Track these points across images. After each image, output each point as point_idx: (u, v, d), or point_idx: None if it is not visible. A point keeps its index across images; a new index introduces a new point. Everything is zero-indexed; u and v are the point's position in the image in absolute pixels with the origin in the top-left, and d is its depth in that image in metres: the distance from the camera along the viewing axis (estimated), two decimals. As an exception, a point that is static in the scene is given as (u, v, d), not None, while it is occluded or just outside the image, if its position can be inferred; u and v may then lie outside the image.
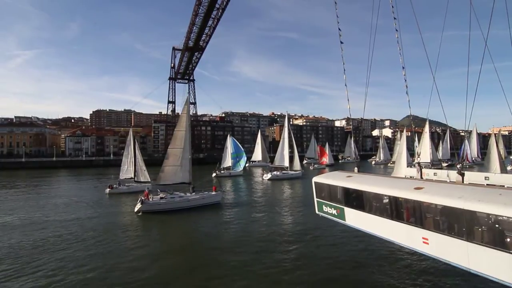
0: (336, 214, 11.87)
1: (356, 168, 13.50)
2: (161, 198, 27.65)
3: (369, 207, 10.43)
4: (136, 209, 26.58)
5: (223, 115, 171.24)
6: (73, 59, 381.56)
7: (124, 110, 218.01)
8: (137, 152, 41.29)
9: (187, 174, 30.31)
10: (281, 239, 19.24)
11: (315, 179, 13.04)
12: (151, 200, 27.15)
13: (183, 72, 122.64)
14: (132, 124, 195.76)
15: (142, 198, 26.82)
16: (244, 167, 63.91)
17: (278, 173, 55.13)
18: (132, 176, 40.75)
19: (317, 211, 13.12)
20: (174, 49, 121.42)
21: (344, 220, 11.49)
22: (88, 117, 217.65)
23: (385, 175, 12.63)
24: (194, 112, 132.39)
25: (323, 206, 12.59)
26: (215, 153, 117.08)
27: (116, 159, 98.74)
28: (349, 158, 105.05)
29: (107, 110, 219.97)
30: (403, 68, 13.10)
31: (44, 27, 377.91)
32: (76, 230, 21.52)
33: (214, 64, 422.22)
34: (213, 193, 30.85)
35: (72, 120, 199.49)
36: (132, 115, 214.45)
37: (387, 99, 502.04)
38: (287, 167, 57.45)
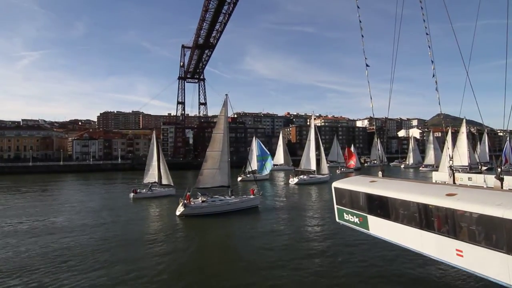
0: (358, 222, 11.66)
1: (380, 172, 13.22)
2: (203, 201, 29.28)
3: (395, 215, 10.19)
4: (178, 213, 28.12)
5: (235, 116, 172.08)
6: (79, 59, 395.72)
7: (132, 111, 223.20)
8: (161, 155, 43.29)
9: (226, 177, 32.01)
10: (320, 248, 19.60)
11: (335, 184, 12.87)
12: (193, 203, 28.74)
13: (193, 71, 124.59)
14: (141, 126, 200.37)
15: (185, 201, 28.16)
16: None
17: (305, 177, 55.96)
18: (156, 180, 42.39)
19: (337, 219, 12.94)
20: (183, 47, 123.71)
21: (368, 229, 11.26)
22: (95, 119, 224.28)
23: (413, 180, 12.32)
24: (204, 113, 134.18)
25: (344, 213, 12.41)
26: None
27: (124, 163, 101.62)
28: (375, 162, 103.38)
29: (115, 112, 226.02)
30: (432, 62, 12.75)
31: (50, 27, 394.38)
32: (120, 234, 22.86)
33: (225, 62, 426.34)
34: (252, 196, 32.35)
35: (79, 123, 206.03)
36: (141, 117, 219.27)
37: (414, 96, 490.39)
38: (314, 171, 57.96)
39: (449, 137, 45.98)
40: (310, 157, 59.16)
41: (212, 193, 31.19)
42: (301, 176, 55.76)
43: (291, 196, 42.20)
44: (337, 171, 76.11)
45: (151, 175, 43.10)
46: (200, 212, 28.38)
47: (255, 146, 65.03)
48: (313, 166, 58.21)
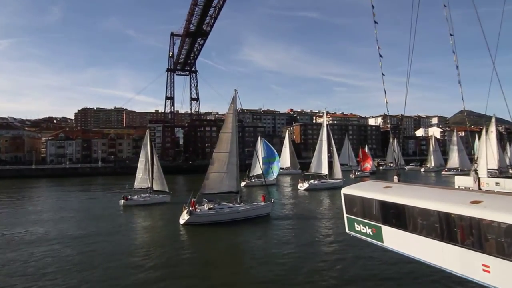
0: (371, 234, 11.66)
1: (395, 177, 13.25)
2: (210, 209, 30.17)
3: (413, 226, 10.21)
4: (182, 221, 28.96)
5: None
6: (55, 49, 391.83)
7: (115, 108, 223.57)
8: (155, 157, 43.76)
9: (235, 181, 33.07)
10: (335, 262, 19.86)
11: (345, 190, 12.91)
12: (199, 211, 29.59)
13: (184, 62, 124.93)
14: (124, 125, 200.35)
15: (190, 208, 28.87)
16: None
17: (316, 182, 57.30)
18: (149, 185, 42.83)
19: (347, 230, 12.96)
20: (172, 35, 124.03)
21: (382, 241, 11.28)
22: (72, 117, 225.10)
23: (433, 186, 12.34)
24: (197, 109, 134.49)
25: (355, 223, 12.42)
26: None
27: (105, 166, 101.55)
28: (391, 165, 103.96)
29: (95, 108, 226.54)
30: (454, 52, 12.74)
31: (21, 12, 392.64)
32: (114, 246, 23.30)
33: (219, 52, 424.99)
34: (263, 203, 33.36)
35: (54, 121, 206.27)
36: (124, 114, 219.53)
37: (434, 90, 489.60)
38: (325, 175, 58.95)
39: (483, 137, 46.22)
40: (321, 160, 59.94)
41: (219, 199, 32.09)
42: (312, 181, 56.78)
43: (303, 204, 43.15)
44: (351, 175, 76.61)
45: (143, 180, 43.41)
46: (207, 220, 29.25)
47: (260, 147, 65.58)
48: (325, 170, 59.10)
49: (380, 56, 14.24)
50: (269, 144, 67.14)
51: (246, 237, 26.49)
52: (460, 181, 13.73)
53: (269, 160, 63.05)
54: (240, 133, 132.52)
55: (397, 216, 10.70)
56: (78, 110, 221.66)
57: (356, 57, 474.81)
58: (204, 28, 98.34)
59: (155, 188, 42.42)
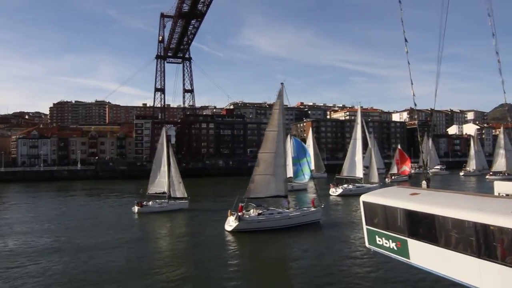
0: (395, 248, 11.67)
1: (424, 182, 13.21)
2: (259, 214, 32.44)
3: (444, 240, 10.21)
4: (229, 228, 31.10)
5: (232, 107, 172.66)
6: (24, 32, 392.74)
7: (96, 101, 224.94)
8: (172, 159, 45.81)
9: (282, 184, 35.42)
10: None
11: (364, 197, 12.89)
12: (247, 217, 31.95)
13: (176, 47, 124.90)
14: (107, 121, 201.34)
15: (239, 214, 30.93)
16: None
17: (351, 186, 59.67)
18: (166, 190, 44.68)
19: (367, 244, 12.96)
20: (162, 16, 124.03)
21: (408, 257, 11.29)
22: (47, 112, 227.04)
23: (468, 193, 12.28)
24: (191, 103, 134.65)
25: (376, 236, 12.43)
26: (220, 160, 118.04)
27: (86, 169, 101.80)
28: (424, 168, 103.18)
29: (73, 102, 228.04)
30: (493, 34, 12.69)
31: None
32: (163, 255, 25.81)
33: (217, 36, 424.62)
34: (313, 209, 35.75)
35: (26, 117, 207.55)
36: (107, 108, 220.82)
37: (469, 81, 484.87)
38: (360, 179, 60.71)
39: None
40: (355, 161, 61.67)
41: (266, 204, 34.68)
42: (345, 186, 59.31)
43: (342, 211, 45.75)
44: (387, 179, 77.66)
45: (159, 184, 45.16)
46: (257, 227, 31.45)
47: (289, 146, 66.21)
48: (360, 173, 60.71)
49: (406, 40, 14.21)
50: (301, 142, 69.29)
51: (302, 246, 27.76)
52: (500, 186, 13.57)
53: (299, 161, 64.20)
54: (242, 131, 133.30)
55: (425, 228, 10.72)
56: (54, 104, 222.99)
57: (377, 41, 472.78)
58: (200, 7, 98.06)
59: (173, 194, 44.17)
